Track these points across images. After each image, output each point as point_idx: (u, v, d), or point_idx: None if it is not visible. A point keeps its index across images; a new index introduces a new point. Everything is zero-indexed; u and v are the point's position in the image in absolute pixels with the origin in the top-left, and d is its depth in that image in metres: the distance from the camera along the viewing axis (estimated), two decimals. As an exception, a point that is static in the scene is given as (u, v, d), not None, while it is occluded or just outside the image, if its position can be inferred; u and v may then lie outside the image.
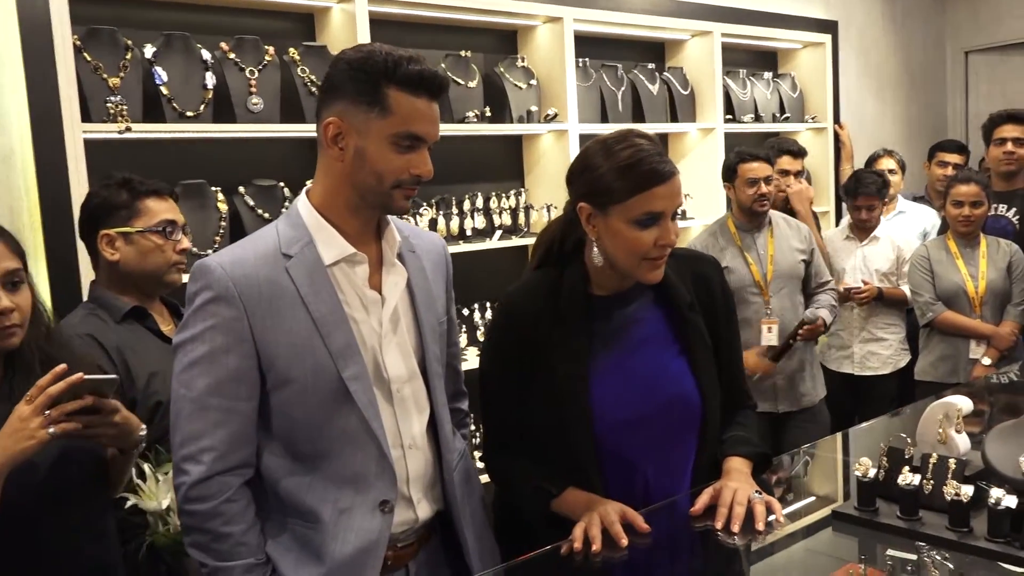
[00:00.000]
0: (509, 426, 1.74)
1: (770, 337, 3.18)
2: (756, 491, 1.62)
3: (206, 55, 2.81)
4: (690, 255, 1.82)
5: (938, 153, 4.32)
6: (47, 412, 1.39)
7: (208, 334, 1.40)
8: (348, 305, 1.47)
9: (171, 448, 1.46)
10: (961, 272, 3.45)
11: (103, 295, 2.02)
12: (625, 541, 1.51)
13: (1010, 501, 1.41)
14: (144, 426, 1.60)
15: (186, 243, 2.09)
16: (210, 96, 2.80)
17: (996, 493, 1.43)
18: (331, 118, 1.41)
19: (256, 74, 2.90)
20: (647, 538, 1.55)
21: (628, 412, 1.65)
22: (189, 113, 2.75)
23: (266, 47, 2.96)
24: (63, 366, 1.41)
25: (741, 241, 3.28)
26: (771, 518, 1.59)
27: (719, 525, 1.56)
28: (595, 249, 1.63)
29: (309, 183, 3.18)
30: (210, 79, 2.80)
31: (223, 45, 2.88)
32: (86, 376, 1.40)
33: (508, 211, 3.61)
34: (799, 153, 3.85)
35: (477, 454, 3.37)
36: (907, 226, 4.07)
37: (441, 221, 3.39)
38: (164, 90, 2.71)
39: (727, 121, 4.36)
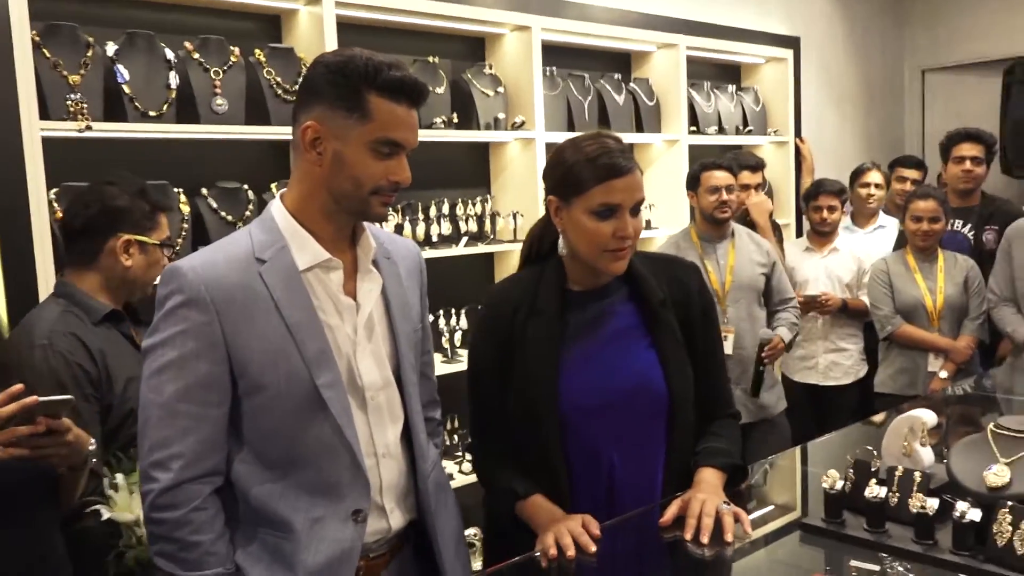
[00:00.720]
0: (492, 419, 1.78)
1: (725, 346, 3.18)
2: (724, 502, 1.63)
3: (170, 54, 2.76)
4: (668, 258, 1.91)
5: (897, 168, 4.41)
6: None
7: (178, 339, 1.37)
8: (322, 311, 1.45)
9: (138, 454, 1.42)
10: (920, 286, 3.51)
11: (78, 294, 1.96)
12: (594, 548, 1.54)
13: (974, 514, 1.43)
14: (93, 441, 1.57)
15: (167, 259, 2.08)
16: (173, 96, 2.74)
17: (961, 506, 1.45)
18: (309, 122, 1.39)
19: (221, 75, 2.85)
20: (620, 548, 1.58)
21: (593, 399, 1.70)
22: (152, 113, 2.69)
23: (232, 48, 2.91)
24: (20, 386, 1.38)
25: (703, 250, 3.30)
26: (738, 529, 1.59)
27: (688, 536, 1.57)
28: (561, 241, 1.73)
29: (275, 186, 3.14)
30: (174, 79, 2.75)
31: (187, 45, 2.82)
32: (41, 399, 1.38)
33: (474, 218, 3.60)
34: (757, 166, 3.90)
35: (449, 463, 3.36)
36: (886, 240, 4.06)
37: (407, 227, 3.36)
38: (126, 89, 2.64)
39: (691, 133, 4.39)
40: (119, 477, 1.66)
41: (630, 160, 1.65)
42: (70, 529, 1.72)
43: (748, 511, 1.67)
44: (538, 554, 1.59)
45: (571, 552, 1.53)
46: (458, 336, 3.54)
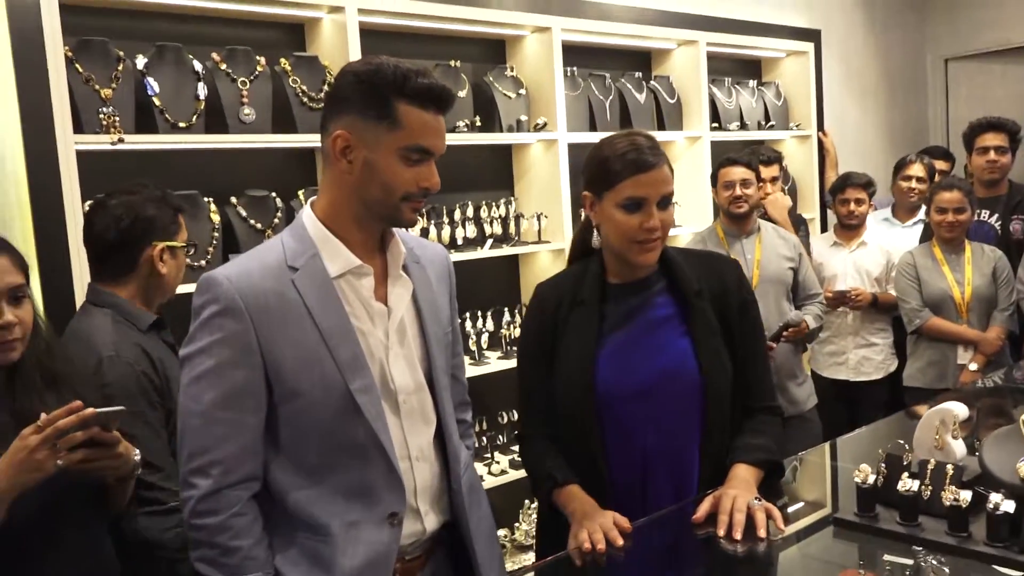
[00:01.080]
0: (537, 404, 1.86)
1: None
2: (756, 498, 1.64)
3: (198, 66, 2.81)
4: (707, 253, 1.98)
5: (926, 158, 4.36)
6: (55, 444, 1.41)
7: (215, 347, 1.40)
8: (355, 317, 1.47)
9: (178, 461, 1.45)
10: (947, 278, 3.49)
11: (125, 305, 1.99)
12: (622, 542, 1.58)
13: (1008, 506, 1.44)
14: (138, 452, 1.62)
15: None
16: (202, 107, 2.80)
17: (995, 498, 1.45)
18: (339, 131, 1.41)
19: (248, 84, 2.90)
20: (655, 544, 1.61)
21: (628, 384, 1.77)
22: (181, 124, 2.75)
23: (257, 57, 2.96)
24: (78, 403, 1.43)
25: (728, 245, 3.32)
26: (771, 526, 1.61)
27: (720, 532, 1.59)
28: (596, 234, 1.82)
29: (303, 194, 3.18)
30: (202, 90, 2.80)
31: (215, 56, 2.88)
32: (96, 410, 1.44)
33: (499, 220, 3.62)
34: (771, 160, 3.90)
35: (479, 464, 3.39)
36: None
37: (432, 230, 3.39)
38: (156, 101, 2.70)
39: (713, 129, 4.39)
40: None
41: (658, 156, 1.71)
42: (122, 527, 1.81)
43: (780, 507, 1.68)
44: (571, 551, 1.61)
45: (601, 546, 1.56)
46: (484, 338, 3.57)
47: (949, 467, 1.58)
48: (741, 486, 1.68)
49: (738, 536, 1.57)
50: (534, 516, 2.98)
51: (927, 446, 1.74)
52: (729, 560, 1.59)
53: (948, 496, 1.50)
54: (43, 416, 1.42)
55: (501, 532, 3.27)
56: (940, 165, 4.29)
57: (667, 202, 1.73)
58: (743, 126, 4.58)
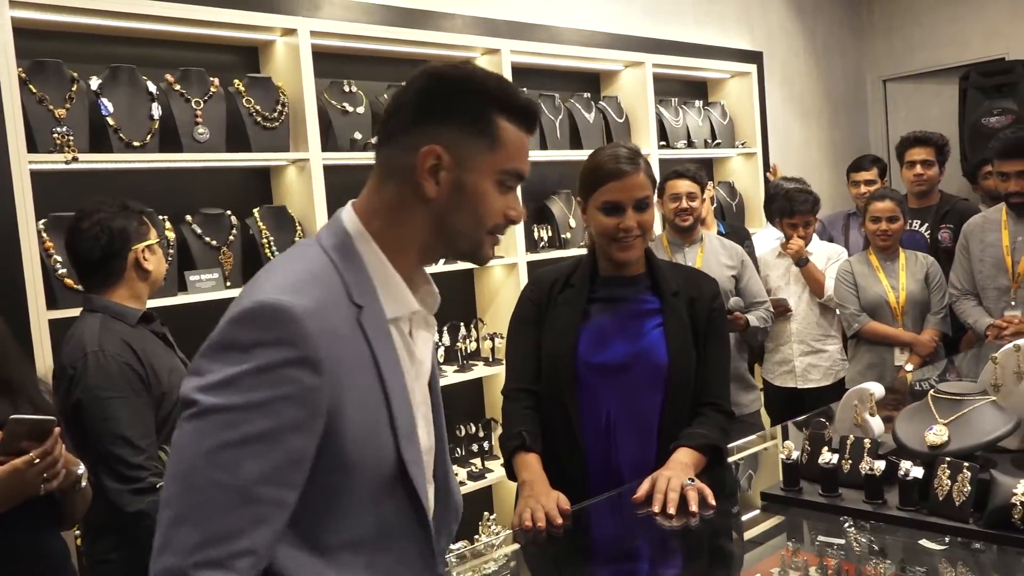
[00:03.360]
0: (524, 367, 2.05)
1: None
2: (690, 478, 1.73)
3: (152, 87, 2.88)
4: (693, 270, 2.26)
5: (851, 174, 4.54)
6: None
7: (279, 406, 1.03)
8: (405, 372, 1.21)
9: (167, 536, 1.03)
10: (883, 284, 3.64)
11: (112, 305, 2.21)
12: (560, 521, 1.68)
13: (917, 472, 1.54)
14: (82, 466, 1.79)
15: None
16: (156, 127, 2.86)
17: (905, 465, 1.55)
18: (431, 145, 1.15)
19: (202, 105, 2.97)
20: (596, 523, 1.72)
21: (604, 357, 1.97)
22: (136, 143, 2.80)
23: (211, 79, 3.03)
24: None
25: (672, 254, 3.43)
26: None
27: (656, 509, 1.68)
28: (586, 233, 1.97)
29: (257, 212, 3.21)
30: (156, 110, 2.86)
31: (168, 77, 2.94)
32: (19, 416, 1.55)
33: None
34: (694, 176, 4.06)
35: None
36: None
37: (387, 246, 3.46)
38: (110, 121, 2.75)
39: (661, 147, 4.54)
40: None
41: (635, 165, 1.94)
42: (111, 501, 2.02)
43: (719, 488, 1.78)
44: (513, 528, 1.71)
45: (541, 524, 1.66)
46: (441, 352, 3.63)
47: (866, 441, 1.69)
48: (677, 468, 1.78)
49: (671, 512, 1.66)
50: (494, 527, 3.04)
51: (847, 423, 1.85)
52: (666, 536, 1.67)
53: (864, 467, 1.60)
54: None
55: (459, 544, 3.31)
56: (863, 176, 4.46)
57: (643, 205, 1.94)
58: (690, 144, 4.74)
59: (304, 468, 1.07)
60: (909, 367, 3.53)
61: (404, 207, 1.18)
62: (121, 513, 2.04)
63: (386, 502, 1.16)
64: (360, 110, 3.44)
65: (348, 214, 1.20)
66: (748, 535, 1.73)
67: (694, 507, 1.67)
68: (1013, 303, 3.41)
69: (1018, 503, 1.41)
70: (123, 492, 2.03)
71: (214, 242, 3.03)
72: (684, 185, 3.40)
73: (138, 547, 2.00)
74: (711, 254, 3.45)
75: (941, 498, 1.51)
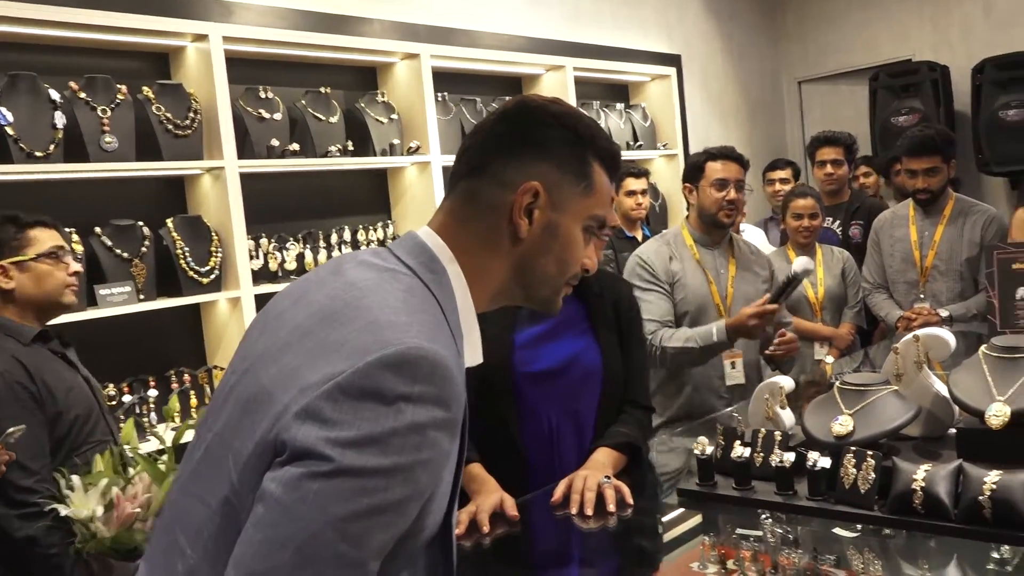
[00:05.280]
0: None
1: (735, 375, 2.67)
2: (607, 477, 1.74)
3: (55, 95, 2.78)
4: (610, 275, 2.29)
5: (767, 173, 4.68)
6: None
7: (418, 472, 0.89)
8: None
9: None
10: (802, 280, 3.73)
11: (7, 322, 2.14)
12: (486, 529, 1.66)
13: (824, 462, 1.58)
14: None
15: (76, 266, 2.24)
16: (60, 136, 2.76)
17: (813, 456, 1.59)
18: (533, 182, 1.06)
19: (109, 112, 2.88)
20: (518, 525, 1.70)
21: (539, 366, 1.97)
22: (38, 153, 2.70)
23: (119, 86, 2.94)
24: None
25: (699, 255, 2.81)
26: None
27: (573, 510, 1.69)
28: None
29: (171, 222, 3.12)
30: (60, 119, 2.76)
31: (72, 84, 2.85)
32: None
33: (376, 243, 3.68)
34: (640, 173, 4.17)
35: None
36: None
37: (308, 255, 3.42)
38: (9, 131, 2.65)
39: (584, 150, 4.58)
40: (75, 479, 1.85)
41: None
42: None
43: (637, 485, 1.80)
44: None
45: (486, 529, 1.66)
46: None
47: (777, 434, 1.73)
48: (594, 467, 1.80)
49: (588, 512, 1.67)
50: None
51: (759, 417, 1.89)
52: (585, 535, 1.68)
53: (775, 459, 1.64)
54: None
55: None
56: (778, 175, 4.61)
57: None
58: (612, 146, 4.79)
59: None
60: (829, 360, 3.62)
61: (491, 246, 1.08)
62: (9, 539, 1.95)
63: (422, 556, 1.02)
64: (277, 116, 3.38)
65: (439, 245, 1.06)
66: (666, 530, 1.75)
67: (611, 506, 1.68)
68: (921, 296, 3.53)
69: (918, 488, 1.46)
70: (11, 517, 1.94)
71: (125, 254, 2.94)
72: (639, 183, 3.52)
73: None
74: (742, 260, 2.89)
75: (847, 486, 1.55)
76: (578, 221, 1.10)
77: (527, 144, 1.08)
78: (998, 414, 1.55)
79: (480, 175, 1.08)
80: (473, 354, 1.07)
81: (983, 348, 1.70)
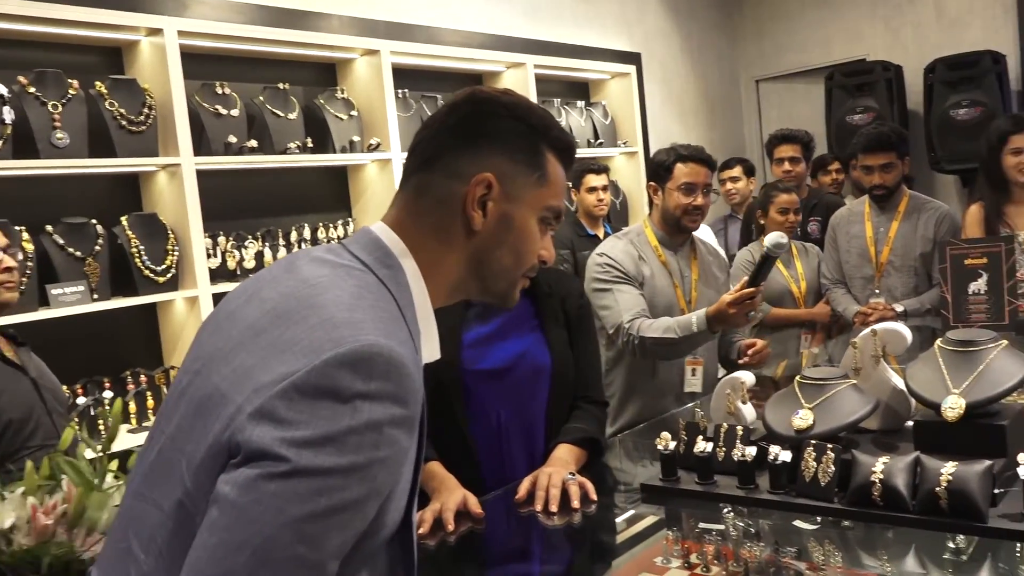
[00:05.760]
0: None
1: (694, 382, 2.62)
2: (571, 473, 1.75)
3: (3, 89, 2.70)
4: (560, 272, 2.31)
5: (719, 172, 4.73)
6: None
7: (375, 470, 0.87)
8: None
9: None
10: (784, 274, 3.77)
11: None
12: (451, 527, 1.65)
13: (785, 456, 1.60)
14: None
15: (10, 262, 2.15)
16: (9, 132, 2.69)
17: (774, 450, 1.61)
18: (486, 174, 1.05)
19: (60, 108, 2.81)
20: (482, 522, 1.69)
21: (488, 363, 1.96)
22: (-14, 149, 2.63)
23: (70, 80, 2.87)
24: None
25: (665, 258, 2.73)
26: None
27: (538, 507, 1.68)
28: None
29: (125, 220, 3.07)
30: (8, 114, 2.69)
31: (21, 79, 2.77)
32: None
33: (336, 241, 3.63)
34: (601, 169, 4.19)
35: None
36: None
37: (268, 253, 3.37)
38: (-44, 126, 2.58)
39: (545, 147, 4.58)
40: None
41: None
42: None
43: (601, 482, 1.80)
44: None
45: (451, 527, 1.65)
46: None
47: (739, 428, 1.74)
48: (557, 464, 1.80)
49: (554, 509, 1.67)
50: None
51: (721, 412, 1.90)
52: (550, 532, 1.68)
53: (736, 453, 1.65)
54: None
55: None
56: (729, 174, 4.68)
57: None
58: (573, 144, 4.80)
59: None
60: (815, 349, 3.66)
61: (444, 239, 1.06)
62: None
63: (382, 555, 1.00)
64: (235, 113, 3.33)
65: (393, 240, 1.04)
66: (630, 526, 1.76)
67: (576, 503, 1.68)
68: (877, 291, 3.59)
69: (877, 481, 1.48)
70: None
71: (78, 253, 2.88)
72: (600, 179, 3.54)
73: None
74: (704, 263, 2.86)
75: (808, 479, 1.57)
76: (533, 212, 1.09)
77: (479, 135, 1.07)
78: (953, 406, 1.58)
79: (432, 168, 1.07)
80: (431, 350, 1.06)
81: (938, 342, 1.73)
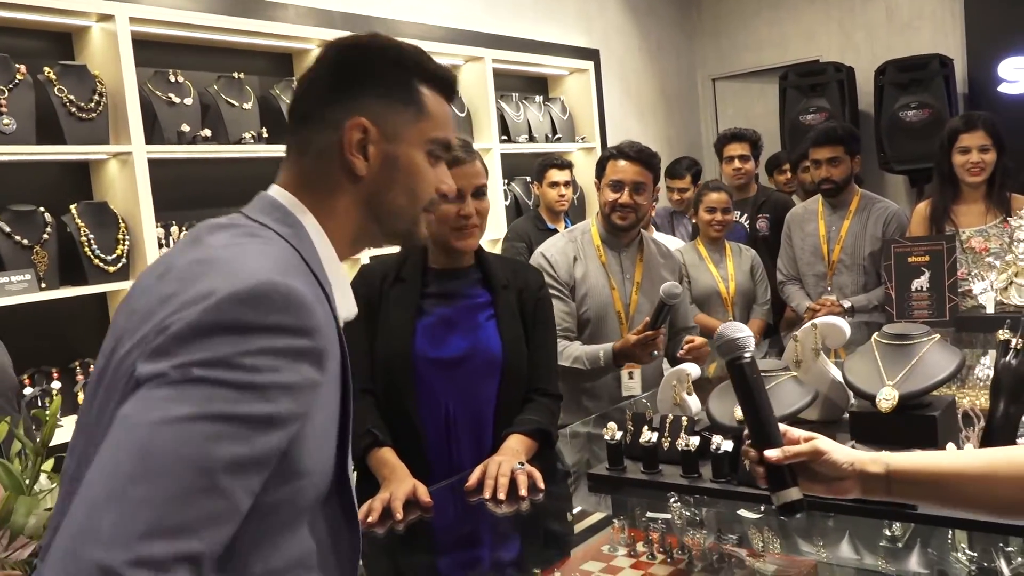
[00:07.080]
0: (360, 366, 1.90)
1: (632, 385, 2.57)
2: (520, 463, 1.77)
3: (-53, 73, 2.65)
4: (518, 262, 2.35)
5: (668, 180, 4.69)
6: None
7: (275, 393, 0.87)
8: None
9: (92, 519, 0.78)
10: (713, 275, 3.83)
11: None
12: (400, 516, 1.67)
13: (727, 445, 1.63)
14: None
15: None
16: (-47, 117, 2.64)
17: (717, 440, 1.65)
18: (357, 118, 1.06)
19: (6, 93, 2.76)
20: (431, 511, 1.71)
21: (440, 353, 1.97)
22: (-71, 134, 2.58)
23: (17, 65, 2.82)
24: None
25: (605, 257, 2.71)
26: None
27: (487, 495, 1.71)
28: None
29: (74, 208, 3.02)
30: (-48, 98, 2.64)
31: (-34, 63, 2.72)
32: None
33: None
34: (564, 165, 4.21)
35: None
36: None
37: (221, 243, 3.34)
38: (-103, 110, 2.52)
39: (503, 142, 4.60)
40: None
41: (470, 153, 1.96)
42: None
43: (550, 471, 1.83)
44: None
45: (399, 516, 1.67)
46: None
47: (684, 419, 1.78)
48: (507, 453, 1.83)
49: (502, 497, 1.69)
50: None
51: (667, 403, 1.94)
52: (498, 520, 1.70)
53: (681, 443, 1.69)
54: None
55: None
56: (680, 184, 4.65)
57: (481, 193, 1.97)
58: (531, 139, 4.83)
59: (264, 475, 0.89)
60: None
61: (332, 190, 1.07)
62: None
63: (319, 519, 1.02)
64: (188, 101, 3.30)
65: (289, 199, 1.06)
66: (578, 515, 1.79)
67: (524, 491, 1.71)
68: (828, 288, 3.68)
69: (814, 469, 1.52)
70: None
71: (26, 241, 2.83)
72: (563, 175, 3.61)
73: None
74: (652, 264, 2.83)
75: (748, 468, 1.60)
76: (418, 148, 1.10)
77: (348, 82, 1.08)
78: (887, 398, 1.63)
79: (308, 123, 1.09)
80: (347, 305, 1.07)
81: (875, 336, 1.78)
